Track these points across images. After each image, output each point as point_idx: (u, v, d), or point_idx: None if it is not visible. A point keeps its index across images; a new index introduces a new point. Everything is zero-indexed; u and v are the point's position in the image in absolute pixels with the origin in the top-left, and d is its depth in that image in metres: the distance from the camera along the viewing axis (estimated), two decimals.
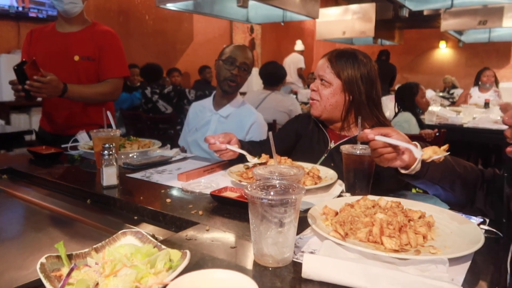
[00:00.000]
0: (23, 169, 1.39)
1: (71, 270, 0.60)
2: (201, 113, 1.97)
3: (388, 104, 3.77)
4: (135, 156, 1.47)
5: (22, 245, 0.89)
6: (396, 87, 4.16)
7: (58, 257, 0.63)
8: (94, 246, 0.68)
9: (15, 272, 0.73)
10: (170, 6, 4.46)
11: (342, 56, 1.31)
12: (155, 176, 1.28)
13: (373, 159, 0.97)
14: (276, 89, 3.32)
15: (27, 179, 1.34)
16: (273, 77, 3.33)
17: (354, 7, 6.26)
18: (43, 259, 0.61)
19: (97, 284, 0.58)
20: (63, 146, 1.57)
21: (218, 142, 1.26)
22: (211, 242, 0.80)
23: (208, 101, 1.97)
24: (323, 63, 1.33)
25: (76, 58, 1.85)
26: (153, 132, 3.32)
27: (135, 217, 1.02)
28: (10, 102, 3.43)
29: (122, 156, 1.44)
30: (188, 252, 0.63)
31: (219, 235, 0.83)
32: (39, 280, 0.59)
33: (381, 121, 1.32)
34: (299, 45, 7.31)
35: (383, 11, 6.27)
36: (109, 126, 1.47)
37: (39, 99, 1.79)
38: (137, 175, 1.28)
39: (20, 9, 3.89)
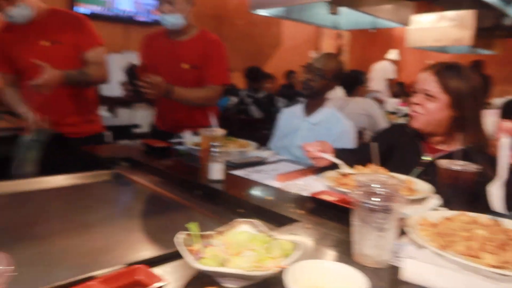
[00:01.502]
0: (139, 158, 1.60)
1: (204, 246, 0.72)
2: (290, 119, 2.07)
3: (488, 119, 3.54)
4: (234, 155, 1.61)
5: (154, 222, 1.05)
6: (495, 100, 3.88)
7: (189, 234, 0.75)
8: (217, 229, 0.80)
9: (156, 244, 0.88)
10: (262, 12, 4.64)
11: (450, 70, 1.29)
12: (254, 174, 1.40)
13: (473, 176, 0.98)
14: (355, 95, 3.32)
15: (142, 167, 1.54)
16: (348, 82, 3.34)
17: (450, 14, 5.95)
18: (179, 235, 0.74)
19: (225, 260, 0.69)
20: (171, 141, 1.76)
21: (315, 150, 1.34)
22: (312, 239, 0.88)
23: (298, 108, 2.06)
24: (427, 77, 1.32)
25: (184, 66, 2.02)
26: (240, 134, 3.50)
27: (238, 210, 1.14)
28: (117, 97, 3.83)
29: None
30: (303, 242, 0.72)
31: (319, 234, 0.91)
32: (176, 252, 0.72)
33: (482, 137, 1.30)
34: (393, 55, 7.03)
35: (482, 18, 5.89)
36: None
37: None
38: (238, 172, 1.41)
39: (130, 13, 4.32)
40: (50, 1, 2.05)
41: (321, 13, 4.51)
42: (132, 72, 1.77)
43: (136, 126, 2.94)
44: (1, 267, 0.41)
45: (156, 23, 4.42)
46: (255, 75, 4.27)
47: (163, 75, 1.91)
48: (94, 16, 4.03)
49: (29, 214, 1.08)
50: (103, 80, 2.00)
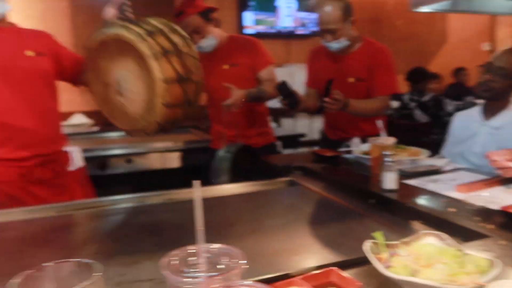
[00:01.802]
0: (311, 166, 1.70)
1: (391, 255, 0.75)
2: (466, 123, 1.91)
3: None
4: (405, 164, 1.57)
5: (331, 228, 1.12)
6: None
7: (376, 243, 0.79)
8: (403, 240, 0.81)
9: (337, 249, 0.95)
10: (424, 8, 4.34)
11: None
12: (430, 184, 1.34)
13: None
14: None
15: (314, 175, 1.63)
16: None
17: None
18: (368, 243, 0.78)
19: (415, 271, 0.71)
20: (340, 150, 1.83)
21: (503, 159, 1.22)
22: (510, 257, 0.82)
23: (475, 111, 1.89)
24: None
25: (350, 80, 2.06)
26: (405, 140, 3.35)
27: (416, 221, 1.12)
28: (281, 109, 4.10)
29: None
30: (499, 261, 0.68)
31: None
32: (361, 258, 0.77)
33: None
34: None
35: None
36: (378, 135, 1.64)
37: None
38: (412, 182, 1.38)
39: (290, 28, 4.58)
40: (223, 27, 2.36)
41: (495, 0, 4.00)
42: (283, 88, 1.89)
43: (302, 135, 3.11)
44: (238, 260, 0.52)
45: (314, 34, 4.62)
46: (418, 77, 4.03)
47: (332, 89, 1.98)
48: (259, 35, 4.42)
49: (225, 216, 1.27)
50: (276, 95, 2.19)
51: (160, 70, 1.26)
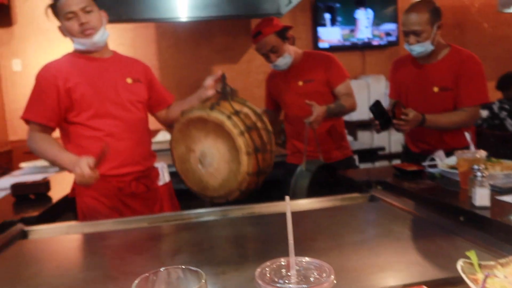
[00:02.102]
0: (392, 181, 1.66)
1: (486, 276, 0.72)
2: None
3: None
4: (498, 179, 1.46)
5: (418, 245, 1.08)
6: None
7: (471, 263, 0.76)
8: (500, 260, 0.77)
9: (425, 267, 0.92)
10: None
11: None
12: None
13: None
14: None
15: (396, 190, 1.58)
16: None
17: None
18: (461, 262, 0.75)
19: None
20: (423, 163, 1.75)
21: None
22: None
23: None
24: None
25: (435, 89, 1.98)
26: (496, 152, 3.10)
27: (509, 241, 1.04)
28: (357, 121, 4.03)
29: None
30: None
31: None
32: (453, 277, 0.74)
33: None
34: None
35: None
36: (467, 147, 1.55)
37: None
38: (506, 198, 1.28)
39: (366, 40, 4.51)
40: (299, 44, 2.40)
41: None
42: (376, 108, 1.87)
43: (381, 148, 3.03)
44: (327, 275, 0.54)
45: (390, 44, 4.49)
46: (509, 83, 3.72)
47: (413, 100, 1.92)
48: (332, 48, 4.41)
49: (306, 231, 1.29)
50: (353, 109, 2.18)
51: (247, 165, 1.45)
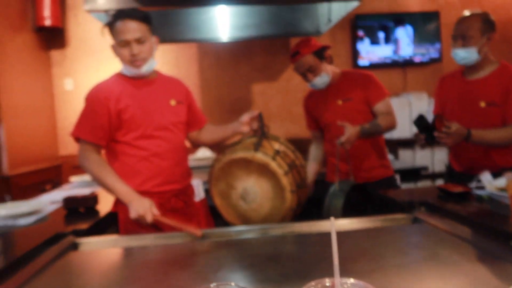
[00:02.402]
0: (436, 202, 1.61)
1: None
2: None
3: None
4: None
5: (465, 271, 1.04)
6: None
7: None
8: None
9: None
10: None
11: None
12: None
13: None
14: None
15: (440, 212, 1.54)
16: None
17: None
18: None
19: None
20: (469, 185, 1.69)
21: None
22: None
23: None
24: None
25: (481, 104, 1.94)
26: None
27: None
28: (399, 139, 3.94)
29: None
30: None
31: None
32: None
33: None
34: None
35: None
36: None
37: None
38: None
39: (407, 57, 4.44)
40: (338, 62, 2.41)
41: None
42: (421, 122, 1.85)
43: (424, 168, 2.94)
44: None
45: (433, 61, 4.39)
46: None
47: (458, 116, 1.88)
48: (373, 66, 4.37)
49: (347, 251, 1.27)
50: (393, 127, 2.14)
51: (291, 201, 1.58)
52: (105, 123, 1.70)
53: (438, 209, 1.55)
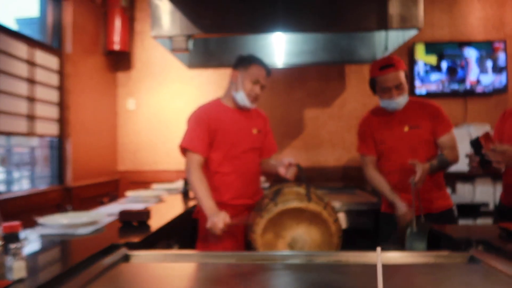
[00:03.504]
0: (495, 242, 1.51)
1: None
2: None
3: None
4: None
5: None
6: None
7: None
8: None
9: None
10: None
11: None
12: None
13: None
14: None
15: (500, 253, 1.43)
16: None
17: None
18: None
19: None
20: None
21: None
22: None
23: None
24: None
25: None
26: None
27: None
28: (457, 172, 3.74)
29: None
30: None
31: None
32: None
33: None
34: None
35: None
36: None
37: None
38: None
39: (468, 87, 4.25)
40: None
41: None
42: (477, 143, 1.79)
43: (484, 204, 2.77)
44: None
45: (497, 92, 4.17)
46: None
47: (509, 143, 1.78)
48: (429, 95, 4.23)
49: (398, 286, 1.22)
50: (456, 162, 2.08)
51: (337, 246, 1.72)
52: (206, 137, 2.04)
53: (497, 249, 1.45)
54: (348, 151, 4.33)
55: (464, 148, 3.84)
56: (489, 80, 4.22)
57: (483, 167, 1.80)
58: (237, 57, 2.19)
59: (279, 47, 3.77)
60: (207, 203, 1.93)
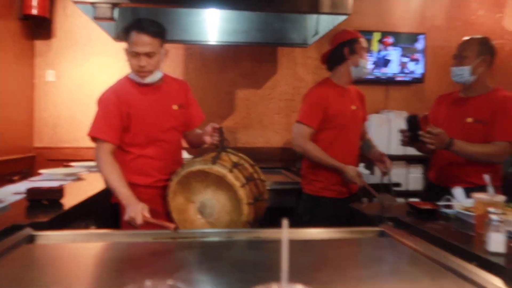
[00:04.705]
0: (404, 218, 1.61)
1: None
2: None
3: None
4: None
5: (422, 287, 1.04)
6: None
7: None
8: None
9: None
10: None
11: None
12: None
13: None
14: None
15: (407, 228, 1.54)
16: None
17: None
18: None
19: None
20: (438, 203, 1.70)
21: None
22: None
23: None
24: None
25: (469, 120, 2.03)
26: None
27: None
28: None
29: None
30: None
31: None
32: None
33: None
34: None
35: None
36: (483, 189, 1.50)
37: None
38: None
39: (390, 75, 4.49)
40: (324, 73, 2.42)
41: None
42: (412, 121, 1.95)
43: (396, 184, 2.95)
44: None
45: (415, 81, 4.46)
46: None
47: (445, 128, 1.95)
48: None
49: (310, 260, 1.26)
50: None
51: (248, 214, 1.59)
52: (118, 123, 1.82)
53: (405, 225, 1.55)
54: (277, 132, 4.39)
55: (384, 133, 4.10)
56: (409, 70, 4.49)
57: (412, 143, 2.00)
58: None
59: (213, 24, 3.67)
60: (123, 192, 1.70)
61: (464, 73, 2.01)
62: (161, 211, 1.84)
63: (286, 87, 4.37)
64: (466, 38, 2.09)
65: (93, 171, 2.94)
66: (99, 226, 2.04)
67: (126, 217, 1.61)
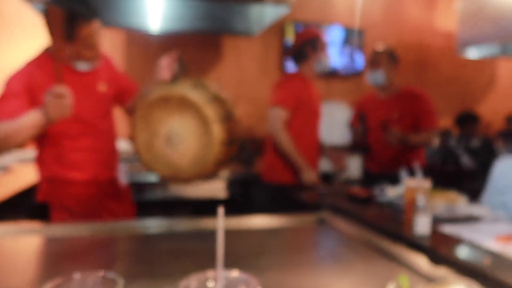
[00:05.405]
0: (342, 205, 1.68)
1: None
2: (510, 172, 1.82)
3: None
4: (441, 209, 1.52)
5: (357, 269, 1.09)
6: None
7: (399, 287, 0.77)
8: (429, 285, 0.78)
9: (377, 285, 0.93)
10: (472, 53, 4.28)
11: None
12: (466, 233, 1.29)
13: None
14: None
15: (345, 214, 1.60)
16: None
17: None
18: (391, 286, 0.76)
19: None
20: (373, 190, 1.80)
21: None
22: None
23: None
24: None
25: (395, 115, 2.42)
26: (448, 186, 3.24)
27: (446, 269, 1.07)
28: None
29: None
30: None
31: None
32: None
33: None
34: None
35: None
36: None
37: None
38: (447, 229, 1.33)
39: (332, 68, 4.64)
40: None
41: None
42: (364, 118, 2.35)
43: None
44: None
45: (355, 75, 4.64)
46: (467, 120, 3.93)
47: (371, 125, 2.37)
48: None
49: (249, 248, 1.27)
50: None
51: (219, 133, 1.38)
52: (24, 108, 1.52)
53: (342, 212, 1.62)
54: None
55: (325, 123, 4.24)
56: (349, 63, 4.66)
57: (363, 139, 2.39)
58: None
59: (155, 11, 3.55)
60: (26, 116, 1.45)
61: (375, 77, 2.43)
62: (103, 213, 1.74)
63: (231, 77, 4.36)
64: (378, 51, 2.50)
65: (26, 161, 2.75)
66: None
67: (52, 114, 1.42)
